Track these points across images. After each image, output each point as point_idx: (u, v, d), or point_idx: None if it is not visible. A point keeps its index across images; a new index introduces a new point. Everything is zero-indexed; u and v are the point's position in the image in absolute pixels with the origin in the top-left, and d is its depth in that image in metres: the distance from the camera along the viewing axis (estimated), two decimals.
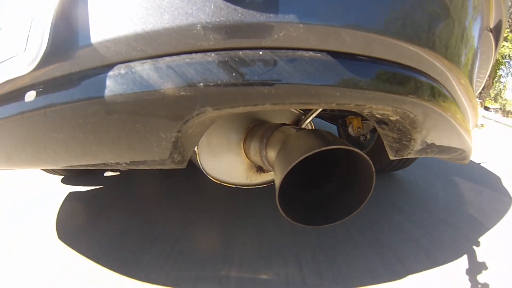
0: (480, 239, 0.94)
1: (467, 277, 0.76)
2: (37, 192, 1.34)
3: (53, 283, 0.72)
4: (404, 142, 0.55)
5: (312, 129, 0.83)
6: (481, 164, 1.98)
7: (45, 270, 0.77)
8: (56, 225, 1.01)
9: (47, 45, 0.46)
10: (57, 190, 1.35)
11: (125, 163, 0.51)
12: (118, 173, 1.63)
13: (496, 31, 0.77)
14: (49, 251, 0.85)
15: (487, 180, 1.69)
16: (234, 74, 0.40)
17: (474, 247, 0.90)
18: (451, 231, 1.00)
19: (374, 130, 1.38)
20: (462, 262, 0.82)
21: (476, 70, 0.67)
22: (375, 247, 0.89)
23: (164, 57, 0.41)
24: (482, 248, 0.90)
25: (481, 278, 0.75)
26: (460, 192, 1.41)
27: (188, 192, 1.33)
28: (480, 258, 0.84)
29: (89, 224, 1.03)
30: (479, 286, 0.73)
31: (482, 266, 0.80)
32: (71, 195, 1.30)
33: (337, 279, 0.74)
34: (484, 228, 1.03)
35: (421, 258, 0.84)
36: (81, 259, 0.81)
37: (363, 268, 0.79)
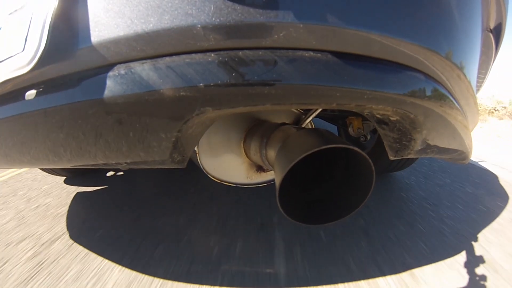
0: (478, 235, 0.97)
1: (465, 270, 0.78)
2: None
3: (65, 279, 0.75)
4: (404, 142, 0.55)
5: (312, 128, 0.83)
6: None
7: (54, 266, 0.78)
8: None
9: (46, 44, 0.46)
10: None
11: (126, 163, 0.51)
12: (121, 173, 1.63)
13: (496, 32, 0.76)
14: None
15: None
16: (234, 74, 0.40)
17: (473, 242, 0.92)
18: (450, 227, 1.01)
19: (374, 131, 1.38)
20: (461, 256, 0.85)
21: (476, 70, 0.67)
22: (374, 242, 0.90)
23: (164, 57, 0.41)
24: (480, 243, 0.92)
25: (479, 270, 0.78)
26: (459, 188, 1.41)
27: (189, 188, 1.33)
28: (478, 252, 0.87)
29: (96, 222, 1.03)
30: (477, 278, 0.75)
31: (480, 260, 0.83)
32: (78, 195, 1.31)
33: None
34: (481, 224, 1.05)
35: (423, 252, 0.86)
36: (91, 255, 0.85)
37: (366, 260, 0.81)
